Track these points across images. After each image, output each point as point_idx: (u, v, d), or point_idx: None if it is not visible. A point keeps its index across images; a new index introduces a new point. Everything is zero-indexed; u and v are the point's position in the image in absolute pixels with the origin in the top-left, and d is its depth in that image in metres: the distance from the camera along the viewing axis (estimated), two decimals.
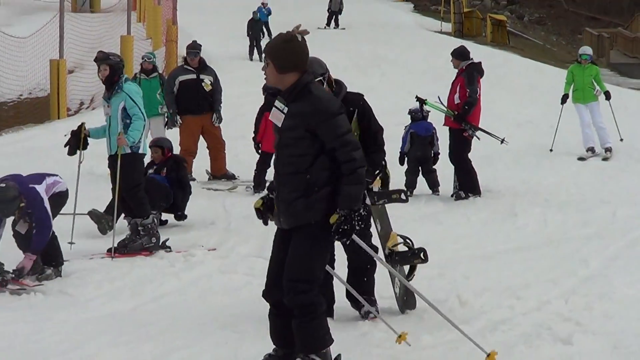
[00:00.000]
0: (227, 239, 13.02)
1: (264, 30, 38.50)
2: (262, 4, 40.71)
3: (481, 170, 15.72)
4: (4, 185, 10.50)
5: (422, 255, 8.80)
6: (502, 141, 16.54)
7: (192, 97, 16.57)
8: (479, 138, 15.67)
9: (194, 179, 16.39)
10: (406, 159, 15.94)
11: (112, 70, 12.23)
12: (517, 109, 24.85)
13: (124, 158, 12.11)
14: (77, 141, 12.25)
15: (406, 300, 9.17)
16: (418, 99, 15.83)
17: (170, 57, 33.92)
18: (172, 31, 34.67)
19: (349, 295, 8.81)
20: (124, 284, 10.85)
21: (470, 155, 15.54)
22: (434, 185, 15.95)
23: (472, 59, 15.88)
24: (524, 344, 8.00)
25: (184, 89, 16.62)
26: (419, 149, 15.87)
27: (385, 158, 8.91)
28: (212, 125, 16.80)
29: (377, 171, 8.82)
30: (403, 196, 8.97)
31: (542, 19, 64.64)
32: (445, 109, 15.48)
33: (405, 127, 16.22)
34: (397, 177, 15.79)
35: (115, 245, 12.05)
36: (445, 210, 14.70)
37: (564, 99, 20.21)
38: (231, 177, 16.93)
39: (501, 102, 24.53)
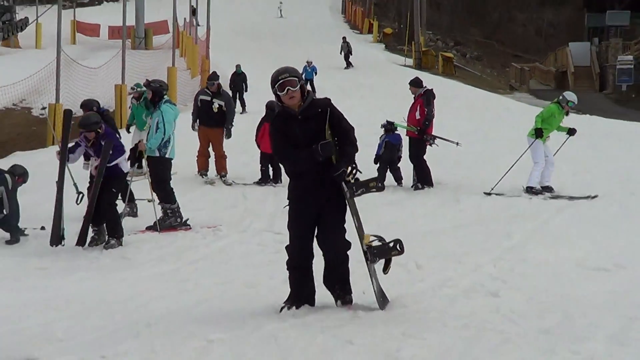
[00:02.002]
0: (245, 217, 13.05)
1: (244, 85, 30.03)
2: (307, 62, 34.56)
3: (433, 168, 15.71)
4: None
5: (397, 246, 7.27)
6: (457, 144, 16.52)
7: (205, 113, 16.58)
8: (437, 145, 15.71)
9: (206, 175, 16.59)
10: (379, 160, 15.92)
11: (153, 94, 12.34)
12: (460, 123, 24.86)
13: (154, 160, 12.22)
14: (135, 155, 12.34)
15: (383, 298, 7.50)
16: (389, 122, 16.03)
17: (203, 84, 33.94)
18: (205, 64, 34.80)
19: (326, 283, 7.43)
20: (168, 251, 10.88)
21: (425, 157, 15.57)
22: (398, 179, 15.94)
23: (425, 86, 15.92)
24: (464, 297, 8.01)
25: (201, 106, 16.67)
26: (390, 153, 15.87)
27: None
28: (216, 137, 16.59)
29: (352, 167, 7.20)
30: (379, 184, 7.56)
31: (479, 56, 64.75)
32: (410, 127, 15.52)
33: (381, 136, 16.17)
34: (372, 173, 15.94)
35: (151, 224, 12.15)
36: (407, 198, 14.74)
37: (540, 134, 14.86)
38: (223, 176, 16.60)
39: (449, 118, 24.48)
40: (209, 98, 16.65)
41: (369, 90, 34.18)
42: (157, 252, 10.76)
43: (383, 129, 16.23)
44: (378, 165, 15.82)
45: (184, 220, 12.24)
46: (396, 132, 16.05)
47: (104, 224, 11.18)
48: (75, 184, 11.43)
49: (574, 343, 6.27)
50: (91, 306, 8.07)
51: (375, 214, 13.20)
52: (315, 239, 7.30)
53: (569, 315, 7.17)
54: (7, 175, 11.77)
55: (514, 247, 10.37)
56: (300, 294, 7.34)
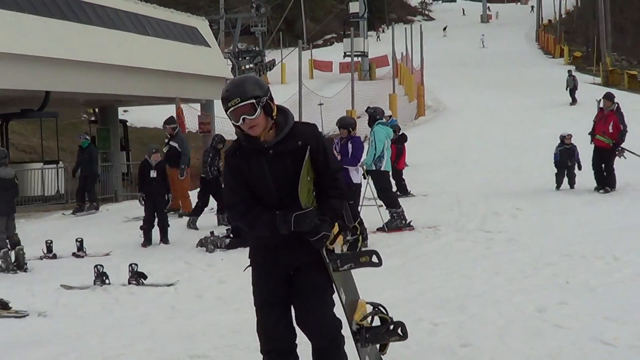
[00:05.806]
0: (459, 218, 12.87)
1: None
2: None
3: (620, 173, 14.92)
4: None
5: (399, 330, 4.49)
6: None
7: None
8: (625, 157, 14.94)
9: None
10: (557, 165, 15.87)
11: (369, 117, 12.28)
12: None
13: (373, 173, 12.15)
14: None
15: None
16: (569, 135, 15.98)
17: (420, 107, 34.12)
18: (420, 90, 34.91)
19: None
20: (396, 248, 10.89)
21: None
22: (572, 183, 15.66)
23: (616, 101, 15.23)
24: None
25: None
26: (566, 160, 15.72)
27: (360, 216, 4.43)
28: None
29: (343, 224, 4.37)
30: (375, 259, 4.40)
31: None
32: (607, 139, 14.84)
33: (557, 146, 15.98)
34: (551, 176, 15.74)
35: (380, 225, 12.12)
36: (600, 199, 14.06)
37: None
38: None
39: (633, 131, 23.23)
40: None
41: (563, 106, 33.08)
42: (386, 250, 10.81)
43: (560, 139, 16.10)
44: (555, 169, 15.87)
45: (408, 222, 12.24)
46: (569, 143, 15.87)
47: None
48: None
49: None
50: None
51: (573, 213, 12.76)
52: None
53: None
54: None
55: None
56: None
